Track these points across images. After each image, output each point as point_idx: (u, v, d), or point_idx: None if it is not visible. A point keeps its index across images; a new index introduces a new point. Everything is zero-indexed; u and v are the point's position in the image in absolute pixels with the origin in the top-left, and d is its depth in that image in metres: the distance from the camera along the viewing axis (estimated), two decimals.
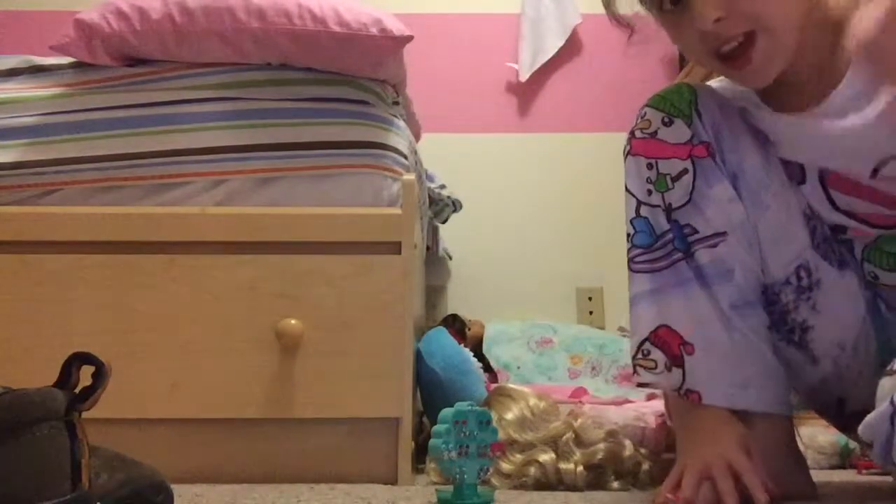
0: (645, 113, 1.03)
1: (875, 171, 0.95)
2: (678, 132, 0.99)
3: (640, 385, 1.01)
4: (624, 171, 1.04)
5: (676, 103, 1.01)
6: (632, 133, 1.03)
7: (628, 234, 1.02)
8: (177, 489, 0.80)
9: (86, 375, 0.69)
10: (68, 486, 0.64)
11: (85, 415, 0.68)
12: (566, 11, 2.45)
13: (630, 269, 1.01)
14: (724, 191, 0.98)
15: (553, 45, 2.45)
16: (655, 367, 0.97)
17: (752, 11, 0.92)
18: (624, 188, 1.03)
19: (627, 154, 1.03)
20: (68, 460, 0.64)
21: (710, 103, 1.02)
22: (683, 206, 0.98)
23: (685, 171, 0.98)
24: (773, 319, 1.01)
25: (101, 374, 0.68)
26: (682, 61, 2.26)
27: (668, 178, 0.99)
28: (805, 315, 1.00)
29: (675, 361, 0.96)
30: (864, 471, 1.32)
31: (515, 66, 2.45)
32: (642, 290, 0.99)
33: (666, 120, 1.00)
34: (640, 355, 0.98)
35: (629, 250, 1.02)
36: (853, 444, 1.42)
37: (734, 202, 0.98)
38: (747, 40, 0.93)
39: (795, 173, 1.02)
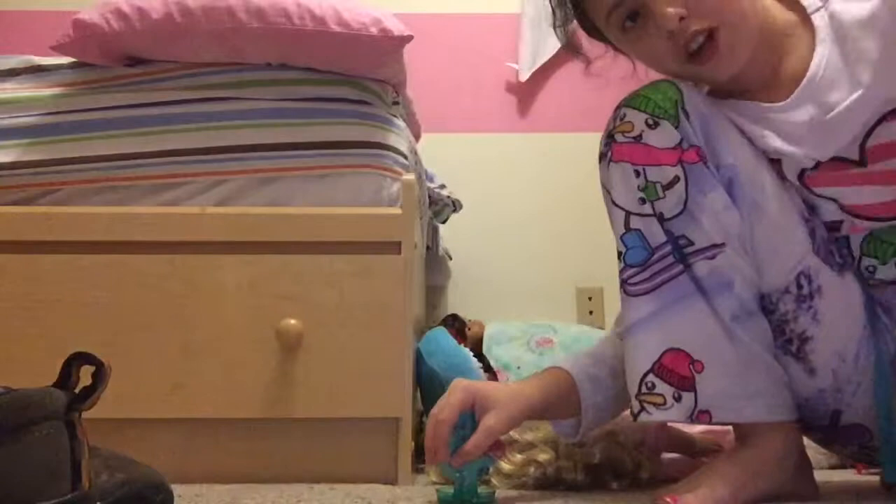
0: (625, 114, 0.95)
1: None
2: (665, 135, 0.92)
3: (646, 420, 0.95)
4: (604, 179, 0.98)
5: (661, 103, 0.93)
6: (610, 136, 0.96)
7: (619, 253, 0.96)
8: (177, 489, 0.80)
9: (86, 375, 0.69)
10: (68, 486, 0.64)
11: (85, 415, 0.68)
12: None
13: (625, 292, 0.95)
14: (719, 198, 0.93)
15: (553, 45, 2.44)
16: (664, 403, 0.92)
17: (712, 7, 0.94)
18: (609, 202, 0.97)
19: (609, 161, 0.96)
20: (68, 460, 0.64)
21: (697, 102, 0.95)
22: (677, 216, 0.92)
23: (676, 178, 0.92)
24: None
25: (101, 374, 0.68)
26: None
27: (658, 186, 0.92)
28: (805, 325, 0.95)
29: (685, 385, 0.91)
30: (864, 471, 1.32)
31: (515, 66, 2.44)
32: (641, 317, 0.93)
33: (650, 122, 0.93)
34: (643, 390, 0.93)
35: (622, 271, 0.96)
36: None
37: (729, 210, 0.93)
38: (710, 36, 0.95)
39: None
